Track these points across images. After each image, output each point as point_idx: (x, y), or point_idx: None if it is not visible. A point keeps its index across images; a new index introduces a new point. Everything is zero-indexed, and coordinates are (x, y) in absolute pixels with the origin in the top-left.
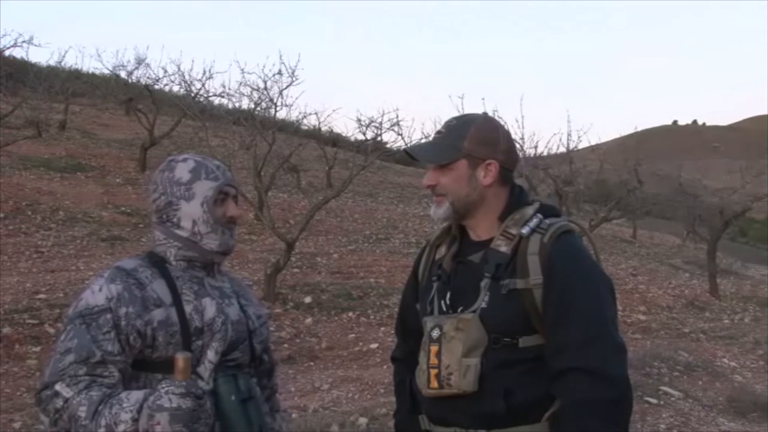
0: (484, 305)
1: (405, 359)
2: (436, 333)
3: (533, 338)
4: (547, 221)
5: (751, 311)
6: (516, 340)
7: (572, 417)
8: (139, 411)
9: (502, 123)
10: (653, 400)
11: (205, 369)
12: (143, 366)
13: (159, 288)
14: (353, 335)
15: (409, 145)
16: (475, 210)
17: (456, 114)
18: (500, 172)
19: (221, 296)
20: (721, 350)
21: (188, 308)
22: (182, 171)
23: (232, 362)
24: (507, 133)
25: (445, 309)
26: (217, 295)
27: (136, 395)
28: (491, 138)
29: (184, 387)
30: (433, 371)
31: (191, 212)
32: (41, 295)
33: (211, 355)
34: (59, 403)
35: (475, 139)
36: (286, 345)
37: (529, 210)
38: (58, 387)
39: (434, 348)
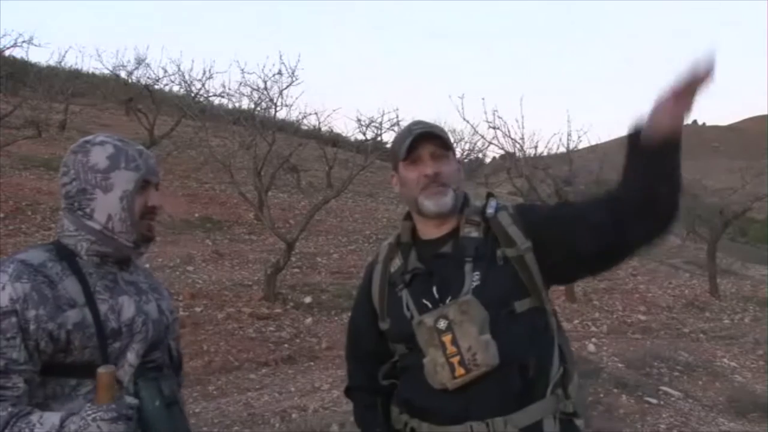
0: (476, 284)
1: (367, 385)
2: (443, 323)
3: (527, 301)
4: (500, 201)
5: (751, 311)
6: (512, 306)
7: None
8: None
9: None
10: (653, 400)
11: (125, 373)
12: (53, 371)
13: (71, 286)
14: None
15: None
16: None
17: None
18: None
19: (138, 293)
20: (721, 350)
21: (103, 308)
22: (99, 156)
23: (152, 363)
24: None
25: (431, 305)
26: (134, 291)
27: (51, 419)
28: None
29: (114, 411)
30: (455, 359)
31: (108, 205)
32: None
33: (131, 357)
34: None
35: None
36: (286, 345)
37: (477, 201)
38: None
39: (447, 337)
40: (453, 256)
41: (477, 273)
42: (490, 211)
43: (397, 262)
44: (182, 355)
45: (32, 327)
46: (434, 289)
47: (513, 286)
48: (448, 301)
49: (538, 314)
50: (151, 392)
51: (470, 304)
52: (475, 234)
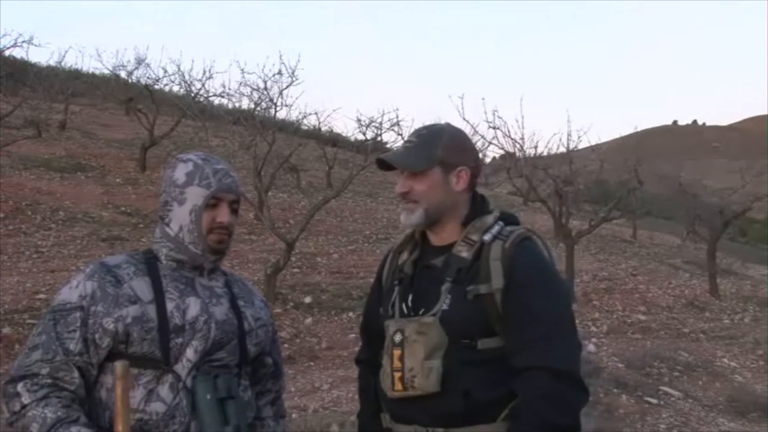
0: (445, 307)
1: (369, 361)
2: (398, 337)
3: (492, 341)
4: (508, 228)
5: (751, 311)
6: (475, 342)
7: (533, 410)
8: None
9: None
10: (653, 400)
11: (182, 367)
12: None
13: (138, 285)
14: (353, 335)
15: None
16: (444, 215)
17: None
18: (470, 179)
19: (210, 296)
20: (721, 350)
21: (170, 306)
22: (180, 172)
23: (218, 362)
24: (473, 142)
25: (406, 312)
26: (207, 295)
27: None
28: (463, 146)
29: None
30: (397, 374)
31: (180, 217)
32: (41, 295)
33: (190, 353)
34: (17, 406)
35: (448, 146)
36: (286, 345)
37: (489, 218)
38: (20, 388)
39: (397, 352)
40: (438, 271)
41: (449, 297)
42: (486, 237)
43: (404, 256)
44: (280, 365)
45: (90, 321)
46: (410, 298)
47: (479, 324)
48: (421, 313)
49: (503, 353)
50: (205, 386)
51: (430, 326)
52: (465, 254)
